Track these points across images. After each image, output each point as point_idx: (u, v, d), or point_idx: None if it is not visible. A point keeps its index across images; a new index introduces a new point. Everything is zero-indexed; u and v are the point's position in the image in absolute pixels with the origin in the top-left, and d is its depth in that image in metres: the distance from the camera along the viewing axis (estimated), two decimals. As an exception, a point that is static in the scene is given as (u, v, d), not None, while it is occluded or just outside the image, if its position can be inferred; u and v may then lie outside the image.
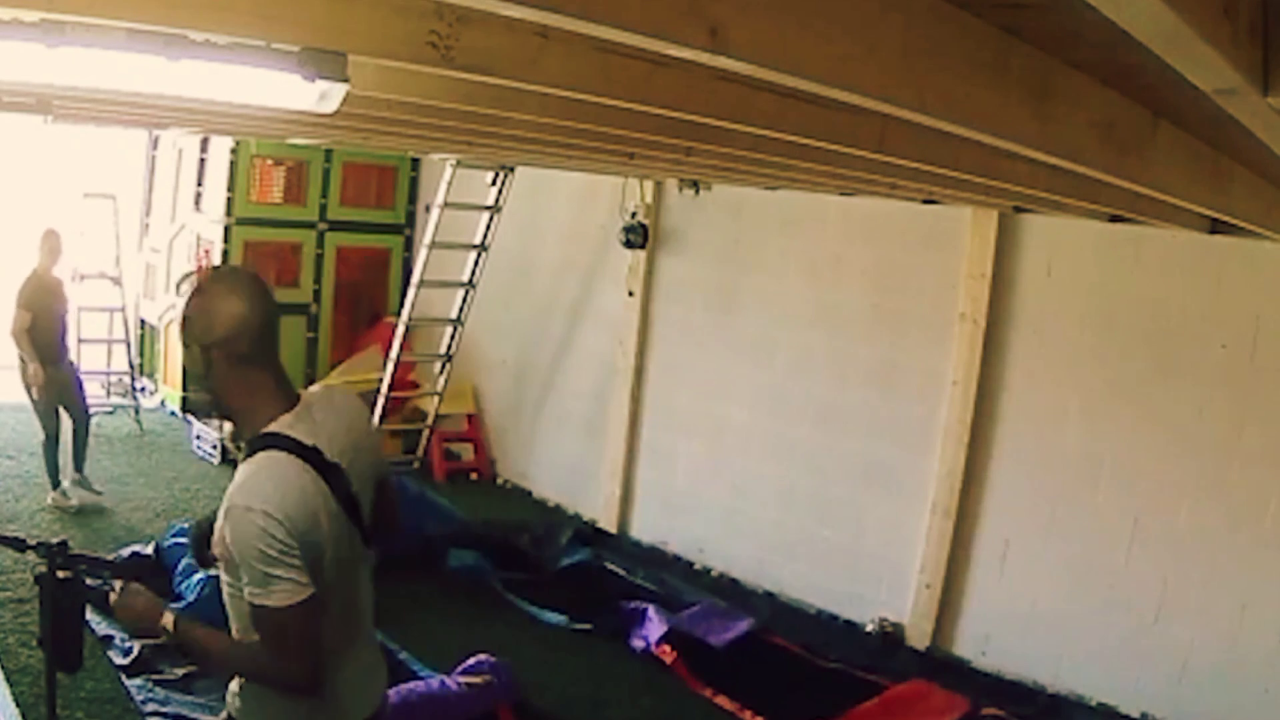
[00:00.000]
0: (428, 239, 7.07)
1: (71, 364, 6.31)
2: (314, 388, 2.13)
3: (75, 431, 6.19)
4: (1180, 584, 4.25)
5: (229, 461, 7.14)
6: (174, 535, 5.20)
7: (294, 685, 1.92)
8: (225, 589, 1.99)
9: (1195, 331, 4.24)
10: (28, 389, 5.92)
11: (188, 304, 1.94)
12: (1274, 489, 4.04)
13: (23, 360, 5.85)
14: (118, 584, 2.12)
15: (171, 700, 3.94)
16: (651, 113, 2.18)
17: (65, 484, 6.11)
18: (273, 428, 1.92)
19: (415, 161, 8.35)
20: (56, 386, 5.97)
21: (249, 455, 1.91)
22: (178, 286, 1.99)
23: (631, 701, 4.47)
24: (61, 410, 6.08)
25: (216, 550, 1.93)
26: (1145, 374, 4.39)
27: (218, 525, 1.89)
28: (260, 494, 1.82)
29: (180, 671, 4.12)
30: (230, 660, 2.03)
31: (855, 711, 4.35)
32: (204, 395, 2.04)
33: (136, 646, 4.25)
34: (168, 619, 2.03)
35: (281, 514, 1.80)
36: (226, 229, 7.71)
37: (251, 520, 1.79)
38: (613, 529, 6.52)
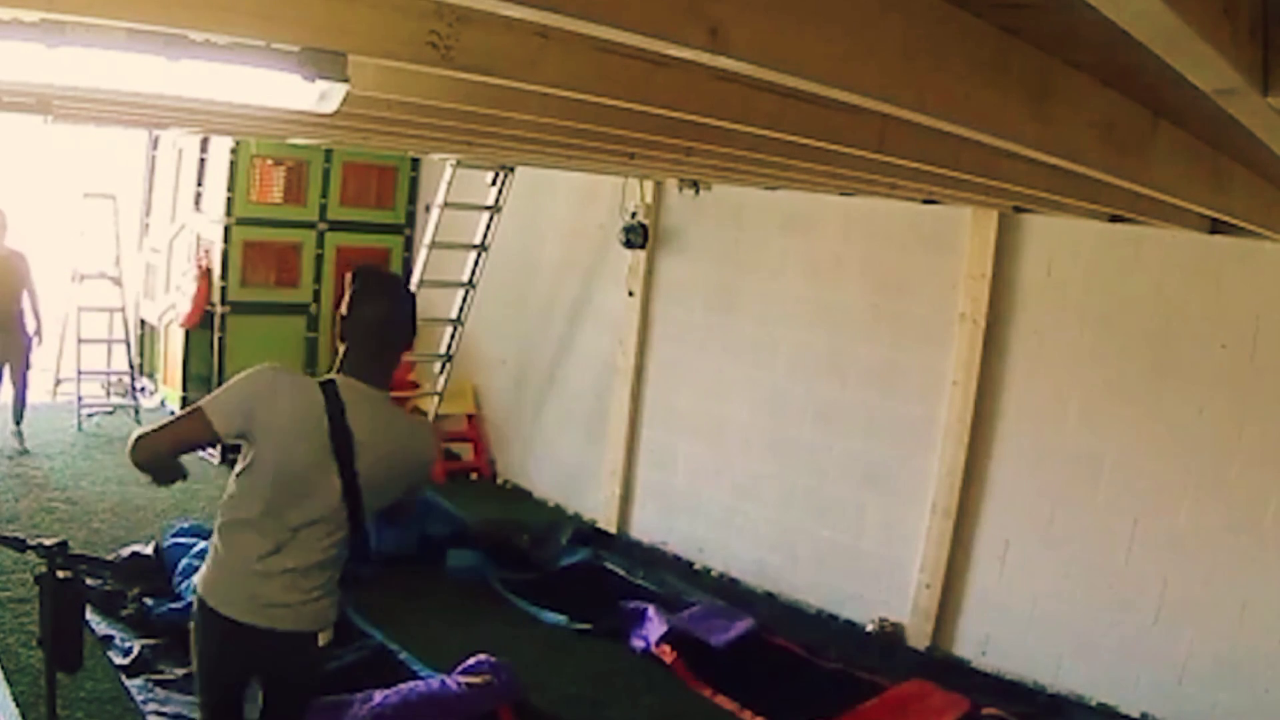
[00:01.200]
0: (428, 239, 7.07)
1: (28, 337, 6.96)
2: (387, 396, 2.58)
3: (15, 395, 7.03)
4: (1180, 584, 4.25)
5: (229, 461, 7.13)
6: (174, 535, 5.21)
7: (133, 441, 2.36)
8: None
9: (1195, 331, 4.24)
10: None
11: (364, 283, 2.52)
12: (1274, 489, 4.04)
13: None
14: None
15: (172, 700, 3.94)
16: (651, 113, 2.18)
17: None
18: (332, 375, 2.48)
19: (415, 161, 8.34)
20: (5, 348, 6.80)
21: None
22: (352, 276, 2.54)
23: (631, 701, 4.47)
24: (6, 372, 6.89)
25: None
26: (1145, 374, 4.39)
27: None
28: (281, 367, 2.47)
29: (180, 671, 4.12)
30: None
31: (855, 711, 4.35)
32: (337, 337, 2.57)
33: (136, 646, 4.25)
34: None
35: (261, 373, 2.40)
36: (226, 229, 7.70)
37: (251, 369, 2.43)
38: (613, 529, 6.52)
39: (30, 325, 6.99)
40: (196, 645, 2.51)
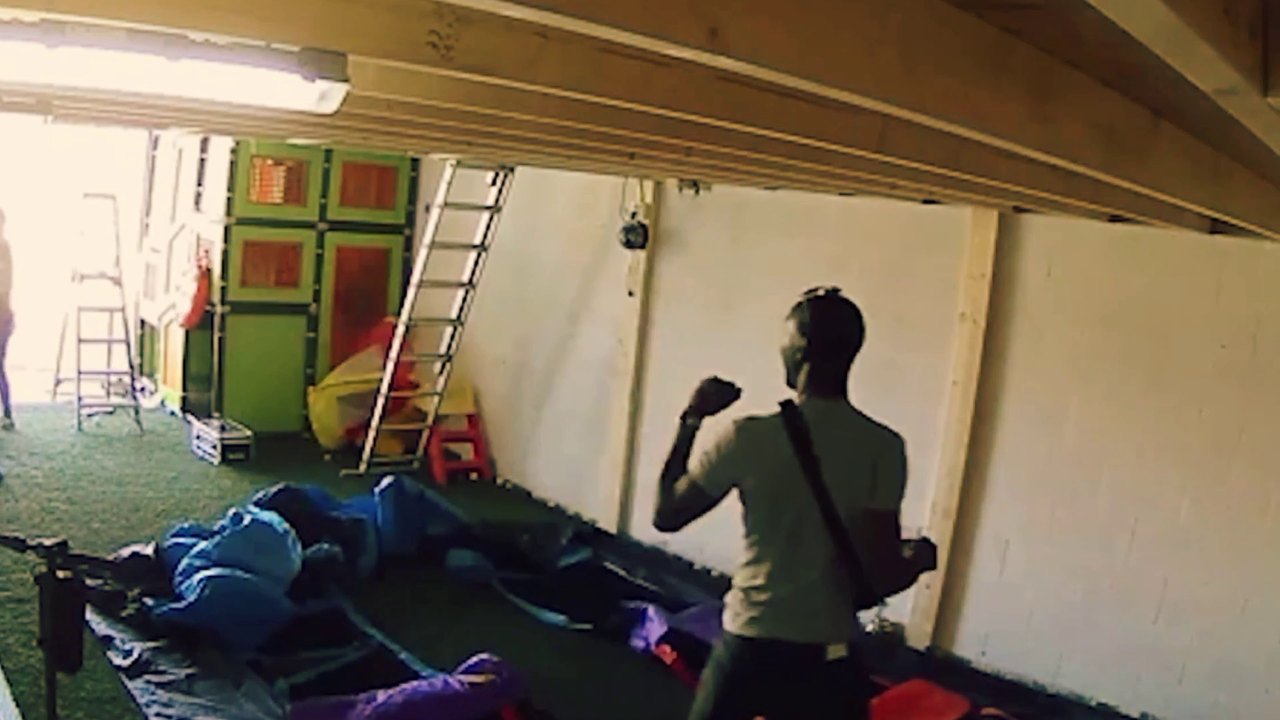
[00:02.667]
0: (428, 239, 7.08)
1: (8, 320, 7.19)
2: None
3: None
4: (1180, 584, 4.25)
5: (229, 462, 7.15)
6: (174, 535, 5.20)
7: (656, 512, 2.70)
8: None
9: (1195, 331, 4.24)
10: None
11: (813, 307, 2.70)
12: (1274, 489, 4.04)
13: None
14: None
15: (174, 702, 3.93)
16: (651, 113, 2.18)
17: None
18: (799, 396, 2.66)
19: (415, 161, 8.34)
20: None
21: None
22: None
23: (631, 701, 4.47)
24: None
25: None
26: (1145, 373, 4.39)
27: None
28: (743, 421, 2.59)
29: (183, 672, 4.12)
30: (672, 473, 2.70)
31: (855, 711, 4.34)
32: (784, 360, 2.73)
33: (137, 647, 4.25)
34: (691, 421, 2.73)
35: (738, 430, 2.57)
36: (226, 229, 7.71)
37: (723, 426, 2.60)
38: (613, 529, 6.52)
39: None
40: (724, 678, 2.64)
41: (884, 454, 2.69)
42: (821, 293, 2.73)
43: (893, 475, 2.66)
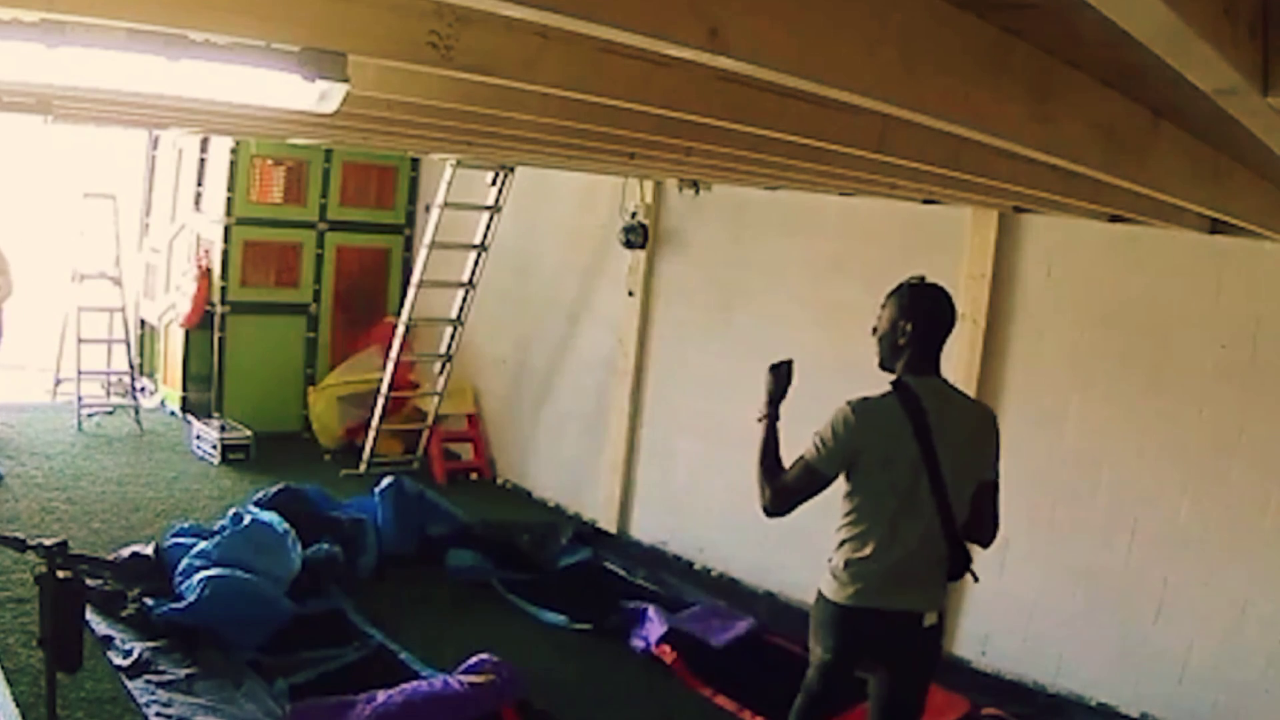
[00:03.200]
0: (428, 239, 7.08)
1: None
2: (966, 397, 3.05)
3: None
4: (1180, 584, 4.25)
5: (229, 462, 7.15)
6: (174, 535, 5.20)
7: (767, 499, 2.89)
8: None
9: (1195, 331, 4.24)
10: None
11: (912, 292, 2.92)
12: (1274, 489, 4.03)
13: None
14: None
15: (174, 702, 3.93)
16: (651, 113, 2.18)
17: None
18: (902, 377, 2.84)
19: (415, 161, 8.34)
20: None
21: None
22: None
23: (631, 701, 4.47)
24: None
25: None
26: (1145, 373, 4.39)
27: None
28: (858, 402, 2.80)
29: (183, 672, 4.12)
30: (768, 463, 2.94)
31: (855, 711, 4.34)
32: (880, 348, 2.98)
33: (137, 647, 4.25)
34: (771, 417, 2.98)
35: (857, 413, 2.77)
36: (226, 229, 7.71)
37: (838, 409, 2.81)
38: (613, 529, 6.52)
39: None
40: (834, 646, 2.91)
41: (983, 427, 2.91)
42: (915, 280, 2.95)
43: (994, 447, 2.88)
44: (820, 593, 2.89)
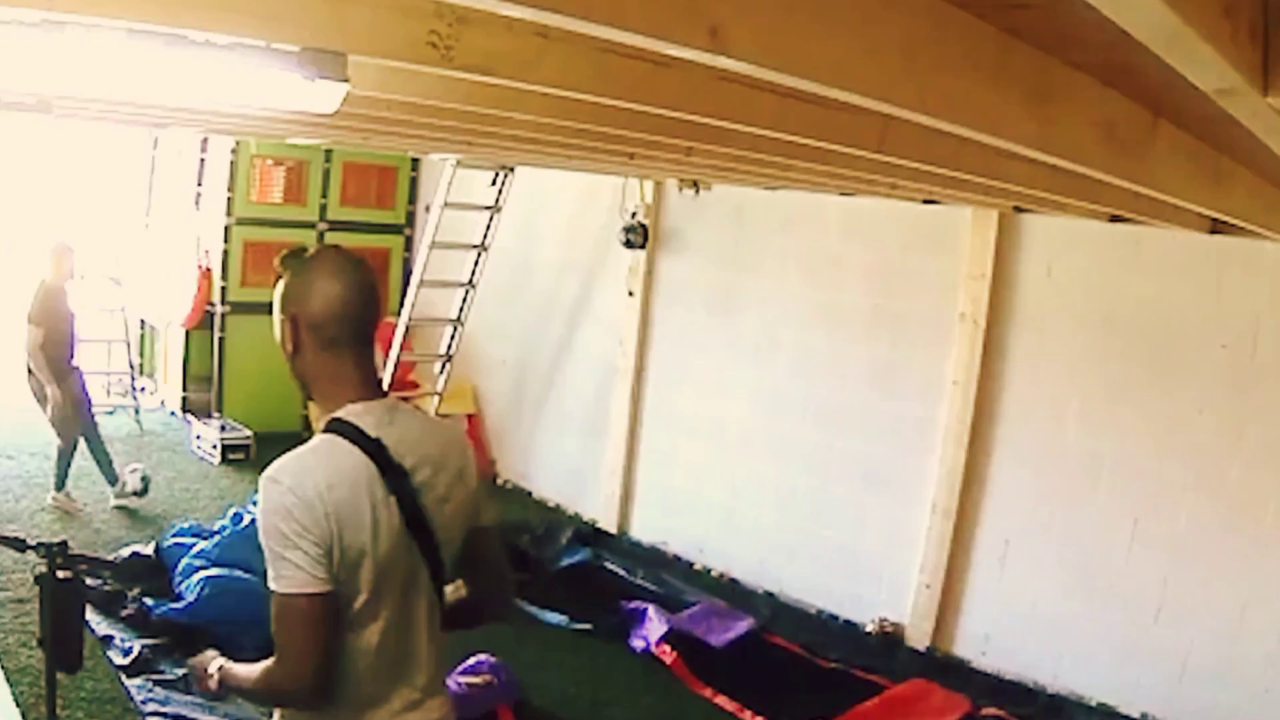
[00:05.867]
0: (428, 239, 7.07)
1: (79, 370, 6.20)
2: (415, 404, 2.02)
3: (91, 449, 6.11)
4: (1180, 584, 4.25)
5: (229, 462, 7.14)
6: (174, 535, 5.21)
7: (290, 693, 1.74)
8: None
9: (1195, 331, 4.24)
10: (40, 404, 5.90)
11: (291, 272, 1.88)
12: (1274, 489, 4.04)
13: (34, 375, 5.81)
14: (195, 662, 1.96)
15: (171, 700, 3.94)
16: (651, 113, 2.18)
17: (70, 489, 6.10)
18: (340, 414, 1.82)
19: (415, 161, 8.34)
20: (72, 403, 5.94)
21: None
22: (280, 261, 1.88)
23: (631, 701, 4.47)
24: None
25: None
26: (1145, 374, 4.39)
27: None
28: (293, 469, 1.73)
29: (180, 671, 4.12)
30: (252, 682, 1.80)
31: (855, 711, 4.35)
32: (291, 368, 1.93)
33: (136, 646, 4.25)
34: (213, 679, 1.88)
35: (308, 492, 1.68)
36: (226, 229, 7.71)
37: (275, 493, 1.70)
38: (613, 529, 6.52)
39: None
40: None
41: (467, 459, 1.98)
42: (334, 252, 1.91)
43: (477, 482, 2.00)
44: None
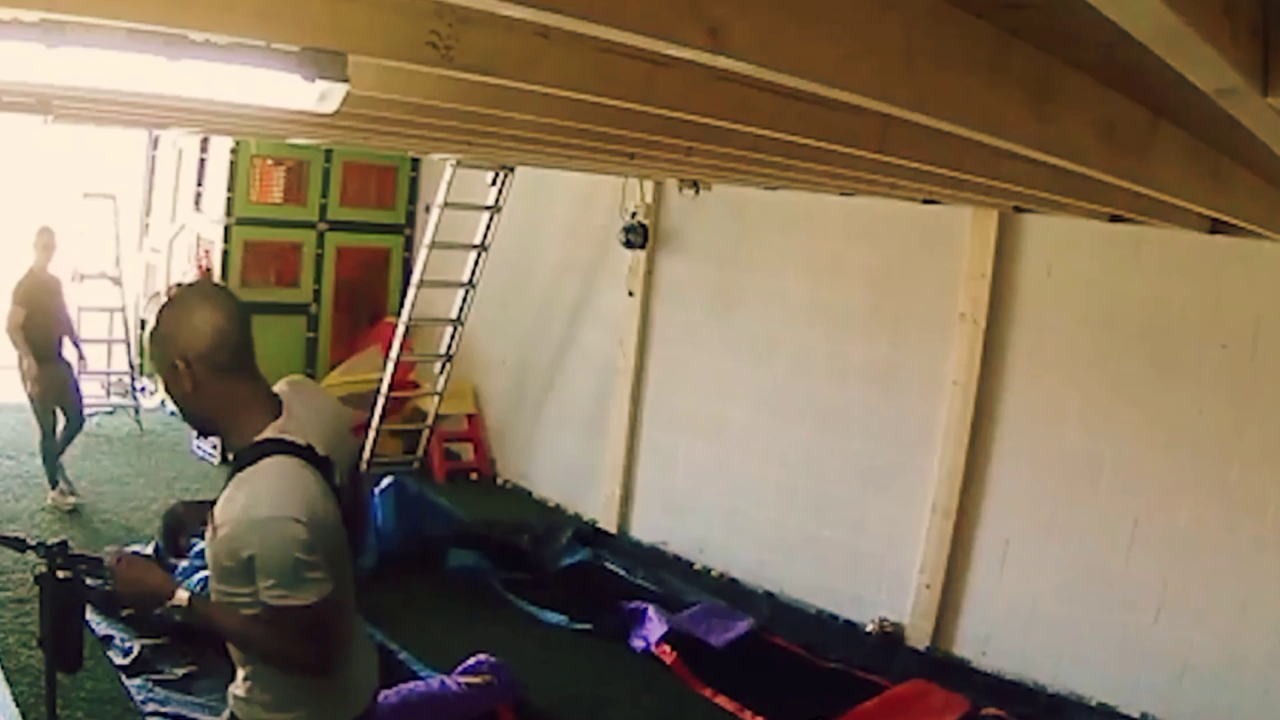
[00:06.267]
0: (428, 239, 7.07)
1: (68, 364, 6.24)
2: (281, 385, 2.07)
3: (66, 427, 6.17)
4: (1180, 584, 4.25)
5: (228, 462, 7.13)
6: (174, 535, 5.20)
7: (308, 667, 1.96)
8: (220, 595, 1.95)
9: (1195, 331, 4.24)
10: (24, 385, 5.97)
11: (160, 320, 1.91)
12: (1274, 489, 4.04)
13: (20, 357, 5.90)
14: (111, 551, 2.22)
15: (171, 700, 3.94)
16: (651, 113, 2.18)
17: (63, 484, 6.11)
18: (268, 434, 1.90)
19: (415, 161, 8.34)
20: (55, 385, 5.99)
21: (246, 464, 1.89)
22: (147, 306, 1.88)
23: (631, 701, 4.47)
24: (58, 410, 6.08)
25: (223, 561, 1.89)
26: (1145, 374, 4.39)
27: (224, 534, 1.86)
28: (289, 502, 1.82)
29: (180, 671, 4.13)
30: (251, 637, 1.94)
31: (855, 711, 4.35)
32: (188, 412, 1.99)
33: (136, 646, 4.25)
34: (181, 595, 1.98)
35: (310, 519, 1.82)
36: (226, 229, 7.71)
37: (286, 529, 1.80)
38: (613, 529, 6.52)
39: None
40: None
41: (348, 415, 2.31)
42: (195, 284, 2.16)
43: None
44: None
